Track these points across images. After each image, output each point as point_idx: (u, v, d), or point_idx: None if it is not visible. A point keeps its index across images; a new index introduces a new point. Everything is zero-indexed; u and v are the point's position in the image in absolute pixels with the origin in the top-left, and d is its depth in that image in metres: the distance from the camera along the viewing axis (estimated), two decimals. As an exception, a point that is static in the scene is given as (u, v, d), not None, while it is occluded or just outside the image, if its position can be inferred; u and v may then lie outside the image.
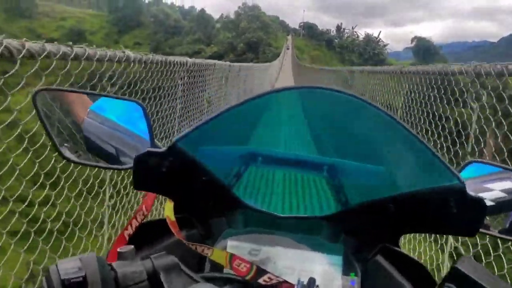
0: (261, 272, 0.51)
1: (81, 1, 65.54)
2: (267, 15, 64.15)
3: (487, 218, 0.60)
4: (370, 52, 53.57)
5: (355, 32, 64.54)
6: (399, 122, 0.47)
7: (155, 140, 0.59)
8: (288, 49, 48.65)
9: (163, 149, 0.51)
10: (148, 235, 0.58)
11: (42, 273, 1.34)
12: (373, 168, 0.57)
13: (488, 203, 0.56)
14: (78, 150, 0.60)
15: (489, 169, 0.63)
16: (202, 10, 57.85)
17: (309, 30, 69.31)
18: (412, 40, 55.60)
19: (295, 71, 23.12)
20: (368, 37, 59.41)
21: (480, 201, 0.49)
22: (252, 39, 51.49)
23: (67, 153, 0.58)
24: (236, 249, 0.58)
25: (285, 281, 0.50)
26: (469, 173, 0.61)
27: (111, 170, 1.78)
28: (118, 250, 0.40)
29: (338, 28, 66.63)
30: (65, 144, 0.59)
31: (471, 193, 0.49)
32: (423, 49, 51.08)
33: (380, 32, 64.60)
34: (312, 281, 0.49)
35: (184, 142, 0.50)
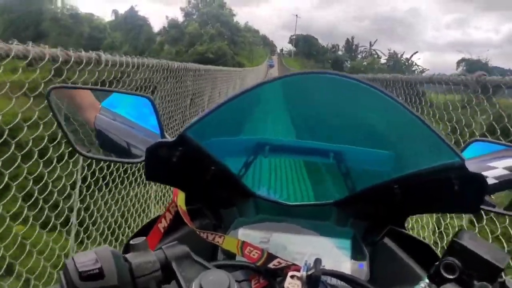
0: (271, 257, 0.75)
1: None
2: (237, 21, 54.37)
3: (492, 196, 0.89)
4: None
5: (375, 50, 63.43)
6: (399, 102, 0.68)
7: (165, 133, 0.91)
8: (272, 66, 45.48)
9: (174, 139, 0.76)
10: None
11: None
12: (378, 152, 0.85)
13: (491, 181, 0.85)
14: (91, 145, 0.92)
15: (492, 148, 0.93)
16: (132, 10, 47.53)
17: (305, 45, 64.76)
18: (458, 64, 51.63)
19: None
20: (395, 57, 57.04)
21: (480, 176, 0.71)
22: (206, 54, 41.15)
23: (81, 148, 0.90)
24: (247, 238, 0.87)
25: (293, 264, 0.74)
26: (472, 152, 0.91)
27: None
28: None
29: (349, 44, 64.52)
30: (79, 140, 0.91)
31: (471, 169, 0.71)
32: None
33: (416, 52, 61.90)
34: (318, 261, 0.72)
35: (192, 132, 0.74)
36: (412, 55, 56.64)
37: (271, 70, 43.36)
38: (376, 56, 61.85)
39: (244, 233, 0.90)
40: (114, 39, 44.98)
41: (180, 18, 54.24)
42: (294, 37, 71.15)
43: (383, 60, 59.91)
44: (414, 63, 56.76)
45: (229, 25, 50.72)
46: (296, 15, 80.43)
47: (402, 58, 57.44)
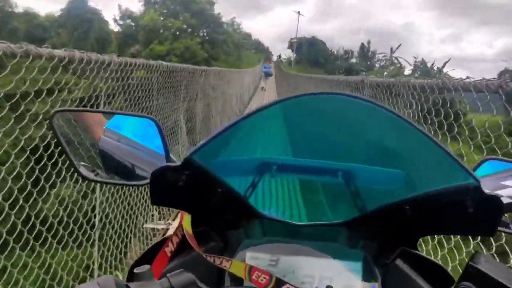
0: (280, 282, 0.82)
1: None
2: (219, 13, 42.80)
3: (506, 215, 0.97)
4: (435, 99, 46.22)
5: (396, 58, 59.95)
6: (410, 122, 0.75)
7: (171, 154, 1.02)
8: (270, 75, 36.51)
9: (179, 163, 0.85)
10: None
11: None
12: (388, 171, 0.94)
13: (506, 200, 0.91)
14: (95, 168, 1.03)
15: (505, 166, 1.03)
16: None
17: (310, 51, 58.10)
18: (500, 76, 40.23)
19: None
20: (422, 67, 51.72)
21: (496, 198, 0.78)
22: (168, 57, 31.07)
23: (85, 172, 1.02)
24: (255, 260, 0.97)
25: None
26: (485, 171, 1.01)
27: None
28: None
29: (364, 50, 59.90)
30: (83, 163, 1.02)
31: (487, 191, 0.77)
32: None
33: (448, 60, 52.74)
34: None
35: (198, 156, 0.83)
36: (444, 64, 50.14)
37: (266, 84, 33.33)
38: (399, 65, 58.14)
39: (252, 256, 0.99)
40: (62, 38, 37.44)
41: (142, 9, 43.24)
42: (296, 40, 62.47)
43: (407, 71, 55.64)
44: (446, 74, 49.31)
45: (204, 17, 40.06)
46: (299, 12, 67.76)
47: (432, 68, 51.20)
